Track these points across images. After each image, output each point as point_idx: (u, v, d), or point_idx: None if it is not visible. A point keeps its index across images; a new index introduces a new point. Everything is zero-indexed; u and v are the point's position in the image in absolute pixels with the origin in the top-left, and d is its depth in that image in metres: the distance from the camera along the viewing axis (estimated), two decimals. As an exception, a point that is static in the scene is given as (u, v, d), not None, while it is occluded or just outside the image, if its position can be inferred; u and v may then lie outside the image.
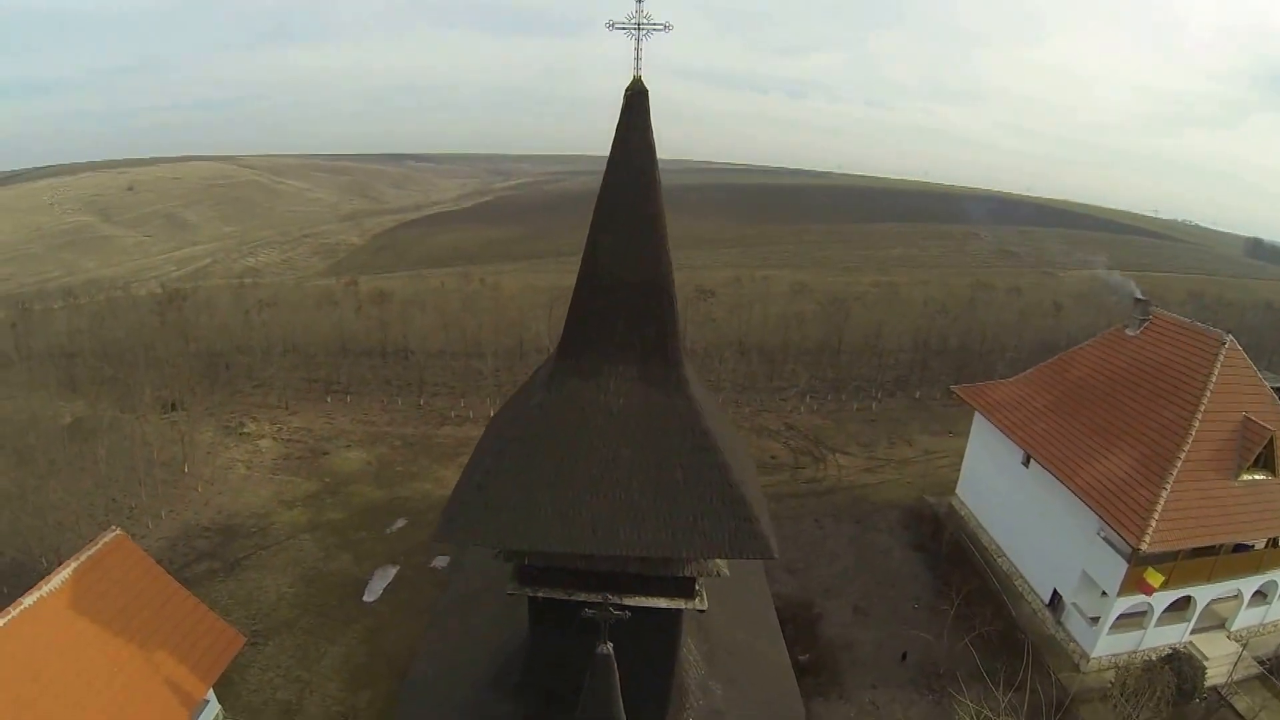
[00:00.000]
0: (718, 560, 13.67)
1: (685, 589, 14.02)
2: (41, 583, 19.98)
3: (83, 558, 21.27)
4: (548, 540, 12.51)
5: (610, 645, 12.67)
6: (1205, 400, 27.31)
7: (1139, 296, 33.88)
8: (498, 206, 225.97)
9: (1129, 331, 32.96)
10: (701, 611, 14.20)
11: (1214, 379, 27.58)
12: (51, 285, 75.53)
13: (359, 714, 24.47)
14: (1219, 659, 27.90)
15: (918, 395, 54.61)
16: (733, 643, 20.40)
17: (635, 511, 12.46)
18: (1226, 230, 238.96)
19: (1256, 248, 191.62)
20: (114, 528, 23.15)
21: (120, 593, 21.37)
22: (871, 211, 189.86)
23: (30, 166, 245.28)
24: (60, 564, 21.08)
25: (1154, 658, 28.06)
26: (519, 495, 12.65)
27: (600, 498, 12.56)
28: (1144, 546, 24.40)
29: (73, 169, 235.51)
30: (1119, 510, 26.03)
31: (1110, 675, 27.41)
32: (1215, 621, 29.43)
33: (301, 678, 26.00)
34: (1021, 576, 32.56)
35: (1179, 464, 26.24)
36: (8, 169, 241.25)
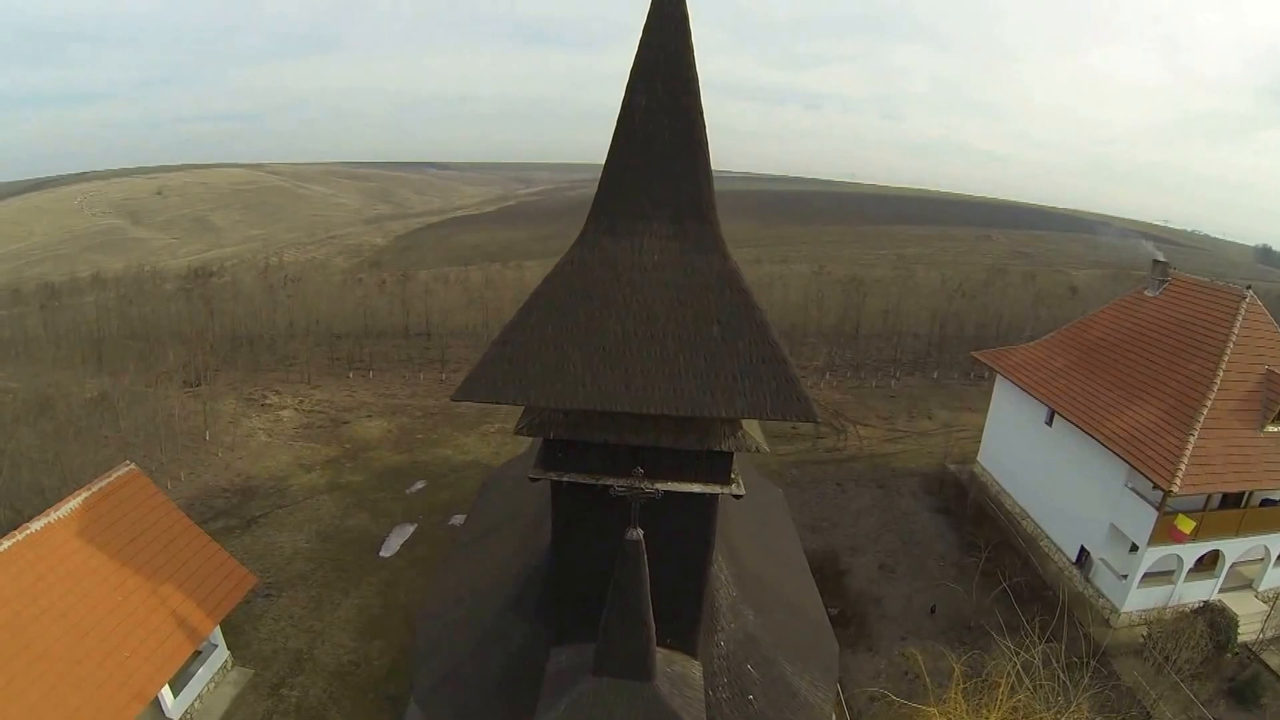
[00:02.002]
0: (756, 435, 13.17)
1: (720, 472, 13.34)
2: (50, 510, 19.96)
3: (94, 488, 21.28)
4: (577, 397, 11.93)
5: (640, 532, 12.14)
6: (1227, 353, 27.01)
7: (1158, 259, 33.53)
8: (519, 211, 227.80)
9: (1148, 293, 32.79)
10: (738, 497, 13.45)
11: (1235, 332, 27.37)
12: (83, 276, 77.19)
13: (371, 662, 24.33)
14: (1249, 617, 27.23)
15: (936, 375, 54.37)
16: (763, 578, 20.05)
17: (671, 368, 11.95)
18: (1236, 240, 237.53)
19: (1266, 254, 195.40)
20: (128, 463, 23.16)
21: (130, 525, 21.31)
22: (886, 215, 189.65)
23: (64, 173, 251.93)
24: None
25: (1186, 610, 27.36)
26: (547, 352, 12.16)
27: (633, 354, 12.04)
28: (1175, 489, 23.86)
29: (104, 175, 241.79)
30: (1147, 456, 25.52)
31: (1142, 631, 26.73)
32: (1242, 582, 28.88)
33: (314, 628, 25.94)
34: (1047, 537, 31.90)
35: (1204, 414, 25.89)
36: (44, 174, 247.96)
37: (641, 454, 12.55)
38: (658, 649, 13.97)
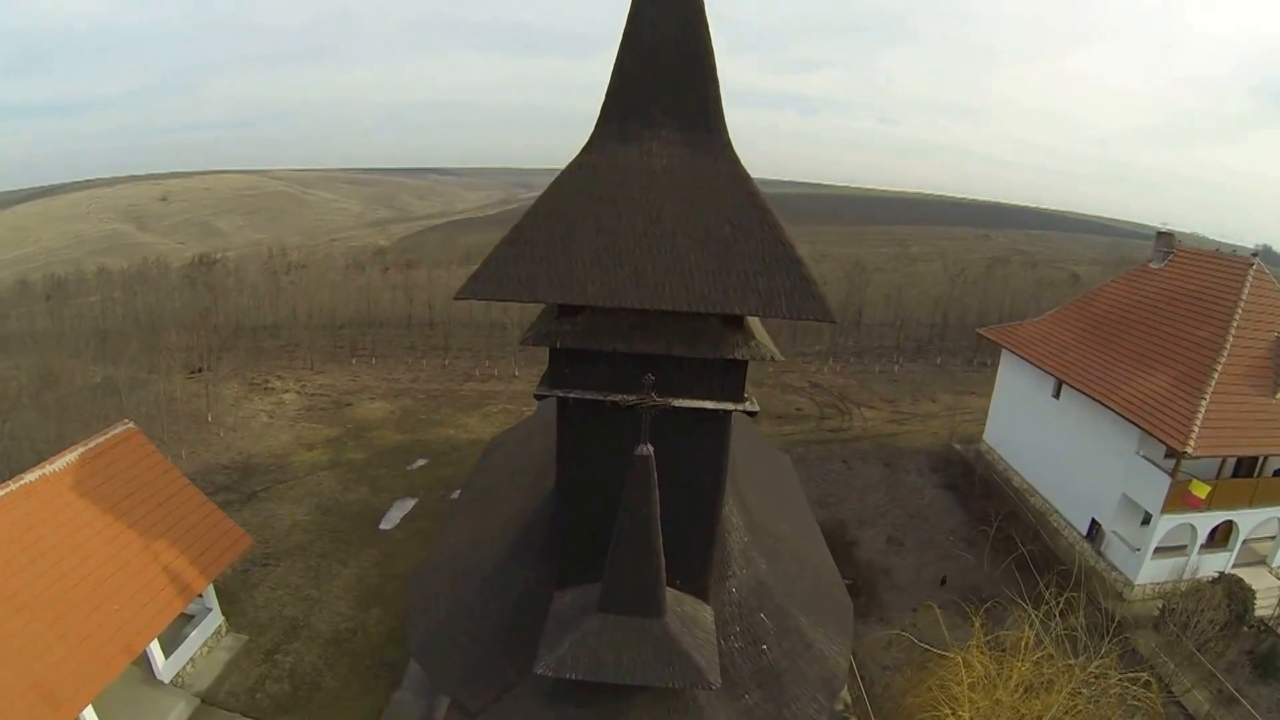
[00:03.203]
0: (769, 344, 12.80)
1: (733, 388, 12.89)
2: (45, 463, 19.64)
3: (91, 444, 20.97)
4: (586, 293, 11.60)
5: (650, 448, 11.63)
6: (1236, 319, 26.75)
7: (1161, 230, 33.30)
8: (520, 213, 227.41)
9: (1153, 265, 32.65)
10: (752, 414, 13.02)
11: (1244, 299, 27.13)
12: (89, 269, 77.27)
13: (368, 630, 23.93)
14: (1265, 592, 26.69)
15: (939, 361, 54.22)
16: (774, 532, 19.58)
17: (682, 265, 11.62)
18: (1236, 243, 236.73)
19: (1267, 255, 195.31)
20: (126, 421, 22.95)
21: (125, 482, 20.99)
22: (885, 216, 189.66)
23: (71, 180, 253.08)
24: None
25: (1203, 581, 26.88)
26: (555, 251, 11.85)
27: (643, 252, 11.73)
28: (1189, 450, 23.44)
29: (110, 182, 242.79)
30: (1160, 419, 25.12)
31: (1156, 604, 26.22)
32: (1256, 559, 28.36)
33: (311, 596, 25.55)
34: (1056, 512, 31.41)
35: (1214, 379, 25.56)
36: (49, 182, 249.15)
37: (652, 366, 12.11)
38: (667, 589, 13.41)
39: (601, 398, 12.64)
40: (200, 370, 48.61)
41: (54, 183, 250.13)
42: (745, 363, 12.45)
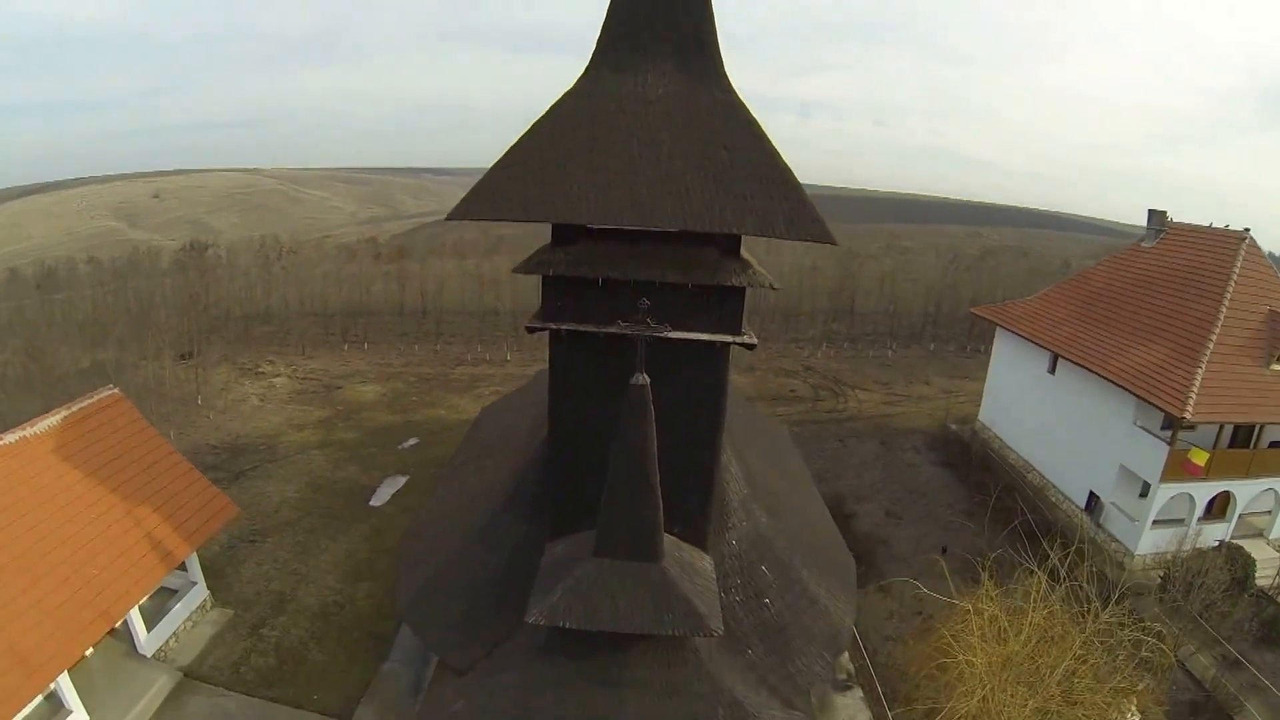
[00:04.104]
0: (766, 274, 12.55)
1: (730, 319, 12.59)
2: (26, 424, 19.04)
3: (74, 408, 20.42)
4: (580, 212, 11.36)
5: (646, 377, 11.23)
6: (1229, 292, 26.79)
7: (1153, 209, 33.25)
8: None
9: (1145, 244, 32.75)
10: (750, 347, 12.74)
11: (1236, 272, 27.16)
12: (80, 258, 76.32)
13: (356, 603, 23.48)
14: (1264, 562, 26.56)
15: (932, 348, 54.20)
16: (775, 490, 19.18)
17: (678, 186, 11.38)
18: None
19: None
20: (111, 386, 22.42)
21: (109, 446, 20.42)
22: (877, 214, 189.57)
23: (63, 178, 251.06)
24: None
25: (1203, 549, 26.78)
26: (549, 172, 11.58)
27: (639, 174, 11.50)
28: (1187, 415, 23.32)
29: (101, 179, 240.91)
30: (1157, 387, 25.03)
31: (1158, 574, 26.05)
32: (1253, 531, 28.41)
33: (299, 571, 25.06)
34: (1054, 487, 31.24)
35: (1209, 350, 25.55)
36: (40, 180, 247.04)
37: (648, 296, 11.72)
38: (665, 536, 12.98)
39: (596, 329, 12.27)
40: (190, 354, 48.02)
41: (45, 180, 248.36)
42: (743, 292, 12.15)
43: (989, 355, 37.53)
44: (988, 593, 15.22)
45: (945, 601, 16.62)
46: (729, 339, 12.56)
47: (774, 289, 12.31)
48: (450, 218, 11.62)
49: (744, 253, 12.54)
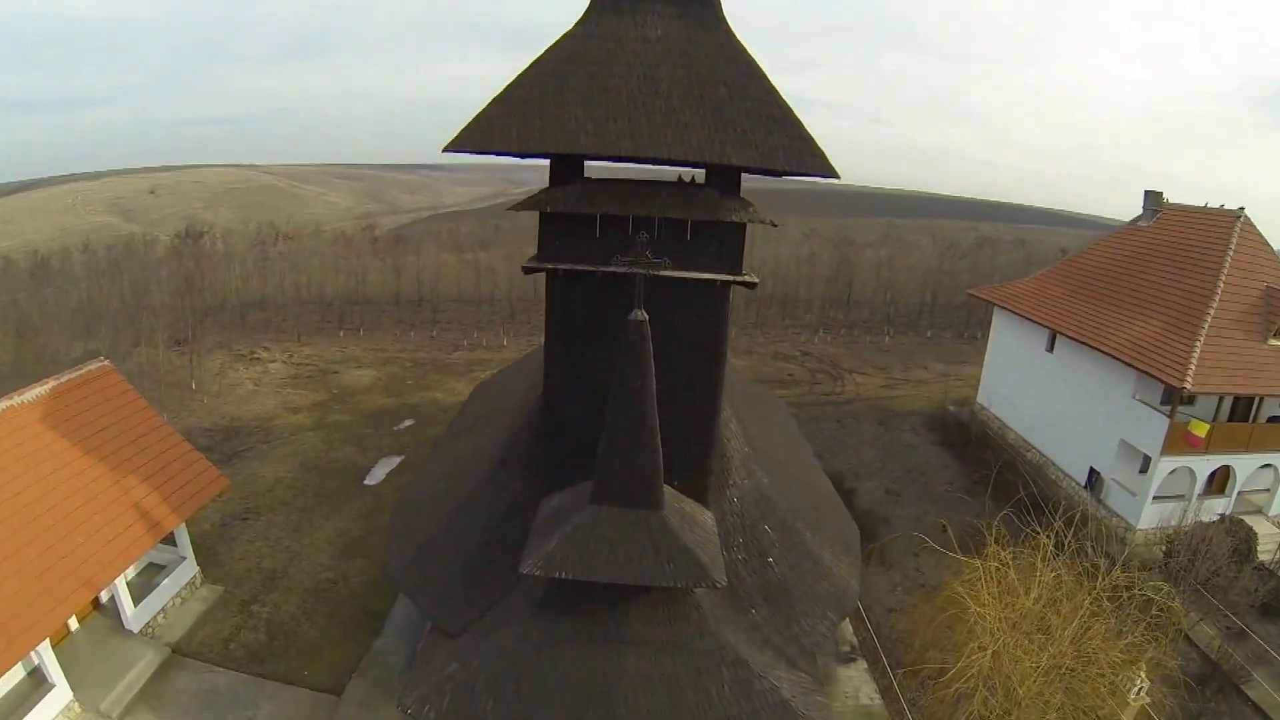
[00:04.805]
0: (767, 212, 12.28)
1: (730, 258, 12.26)
2: (14, 393, 18.65)
3: (64, 378, 20.04)
4: (579, 143, 11.14)
5: (644, 314, 10.84)
6: (1225, 269, 26.85)
7: (1149, 190, 33.25)
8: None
9: (1141, 224, 32.75)
10: (751, 286, 12.43)
11: (1232, 249, 27.19)
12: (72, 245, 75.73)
13: (349, 580, 23.22)
14: (1265, 538, 26.48)
15: (929, 334, 54.22)
16: (776, 457, 18.81)
17: (677, 120, 11.21)
18: None
19: None
20: (102, 358, 22.07)
21: (98, 417, 20.06)
22: (874, 209, 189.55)
23: (59, 174, 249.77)
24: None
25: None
26: (547, 105, 11.39)
27: (638, 109, 11.33)
28: (1187, 385, 23.23)
29: (96, 175, 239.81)
30: (1156, 359, 24.96)
31: (1159, 549, 25.91)
32: (1253, 508, 28.37)
33: (292, 548, 24.76)
34: (1054, 465, 31.10)
35: (1207, 324, 25.55)
36: (35, 176, 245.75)
37: (647, 232, 11.47)
38: (665, 488, 12.55)
39: (593, 269, 11.96)
40: (185, 341, 47.59)
41: (39, 176, 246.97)
42: (743, 229, 11.88)
43: (986, 341, 37.45)
44: (995, 553, 14.97)
45: (950, 564, 16.38)
46: (729, 278, 12.25)
47: (774, 225, 12.02)
48: (447, 150, 11.29)
49: (744, 197, 12.27)
